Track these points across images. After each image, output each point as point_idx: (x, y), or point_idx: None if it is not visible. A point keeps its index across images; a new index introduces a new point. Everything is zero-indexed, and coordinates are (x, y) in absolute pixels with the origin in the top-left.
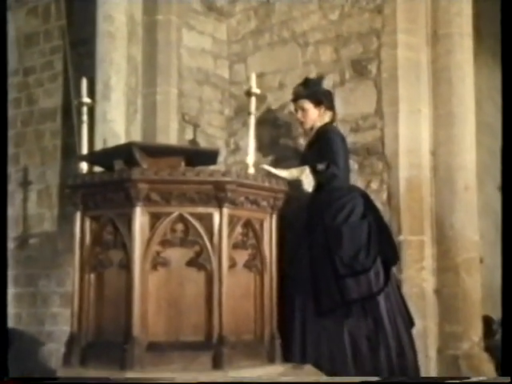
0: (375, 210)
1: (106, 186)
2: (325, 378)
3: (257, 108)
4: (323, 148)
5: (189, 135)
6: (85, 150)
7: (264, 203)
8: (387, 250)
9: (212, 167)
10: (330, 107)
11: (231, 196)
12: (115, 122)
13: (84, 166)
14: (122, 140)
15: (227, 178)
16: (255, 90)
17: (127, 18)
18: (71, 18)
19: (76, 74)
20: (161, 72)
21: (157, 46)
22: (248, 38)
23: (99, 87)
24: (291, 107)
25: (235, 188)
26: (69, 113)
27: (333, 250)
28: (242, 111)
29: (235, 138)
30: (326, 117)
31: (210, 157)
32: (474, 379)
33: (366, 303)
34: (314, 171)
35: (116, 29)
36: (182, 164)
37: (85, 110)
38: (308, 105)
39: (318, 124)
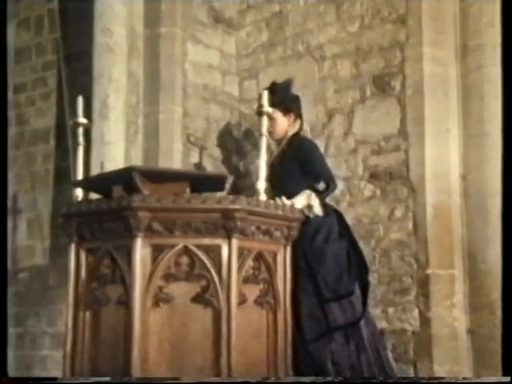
0: (348, 228)
1: (104, 215)
2: (321, 379)
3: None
4: (304, 161)
5: (194, 158)
6: (80, 175)
7: (277, 233)
8: (363, 273)
9: (220, 194)
10: (299, 115)
11: (241, 225)
12: (114, 144)
13: (79, 193)
14: (122, 164)
15: (236, 206)
16: (267, 108)
17: (127, 31)
18: (66, 31)
19: (71, 91)
20: (164, 89)
21: (160, 60)
22: (259, 51)
23: (96, 106)
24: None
25: (245, 216)
26: (63, 134)
27: (316, 273)
28: (252, 132)
29: (245, 162)
30: (297, 125)
31: (218, 182)
32: (474, 379)
33: (349, 329)
34: (314, 191)
35: (115, 42)
36: (187, 190)
37: (80, 130)
38: (276, 113)
39: (289, 133)
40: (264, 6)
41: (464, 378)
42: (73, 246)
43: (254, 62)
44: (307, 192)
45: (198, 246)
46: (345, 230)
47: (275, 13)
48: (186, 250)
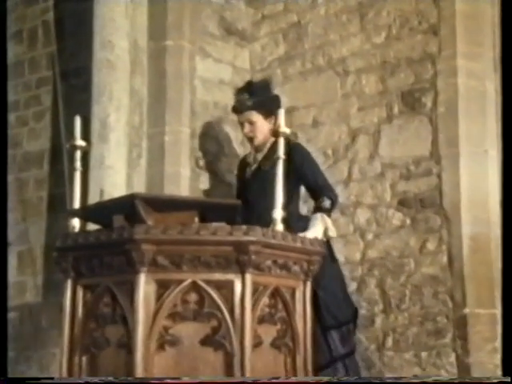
0: (332, 247)
1: (103, 248)
2: (326, 378)
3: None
4: (301, 171)
5: (204, 184)
6: (77, 204)
7: (296, 268)
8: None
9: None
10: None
11: (256, 259)
12: (114, 168)
13: (76, 223)
14: (123, 191)
15: (251, 238)
16: (284, 129)
17: (130, 44)
18: (62, 44)
19: (68, 110)
20: (170, 108)
21: (166, 77)
22: (275, 66)
23: (96, 127)
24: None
25: (260, 249)
26: (58, 158)
27: (318, 298)
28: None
29: None
30: None
31: (230, 211)
32: (474, 379)
33: (347, 359)
34: (319, 209)
35: (116, 57)
36: (196, 220)
37: (78, 154)
38: (256, 117)
39: (272, 138)
40: (280, 16)
41: (463, 378)
42: (69, 283)
43: (269, 77)
44: (318, 216)
45: (208, 282)
46: (331, 250)
47: (293, 23)
48: (195, 286)
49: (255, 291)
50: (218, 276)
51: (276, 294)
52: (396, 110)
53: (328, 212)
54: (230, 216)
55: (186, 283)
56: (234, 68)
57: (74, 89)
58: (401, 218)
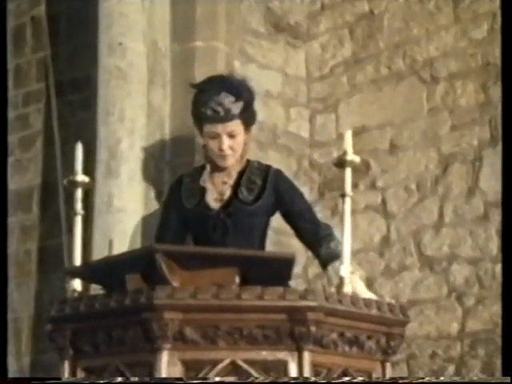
0: None
1: (113, 318)
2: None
3: (355, 185)
4: (289, 207)
5: None
6: (77, 259)
7: (370, 344)
8: None
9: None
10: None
11: (316, 332)
12: (127, 212)
13: (76, 285)
14: (138, 242)
15: (310, 303)
16: (352, 156)
17: (147, 47)
18: (57, 48)
19: (64, 135)
20: None
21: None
22: (340, 72)
23: (102, 157)
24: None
25: (323, 319)
26: (51, 198)
27: None
28: (331, 191)
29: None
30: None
31: (281, 267)
32: (473, 378)
33: None
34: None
35: (129, 64)
36: (236, 279)
37: (78, 193)
38: (240, 128)
39: (244, 158)
40: (346, 6)
41: (463, 378)
42: (66, 365)
43: (331, 87)
44: (336, 265)
45: (253, 363)
46: None
47: (363, 15)
48: (235, 368)
49: (316, 375)
50: (265, 354)
51: (345, 378)
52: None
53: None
54: (282, 274)
55: (223, 364)
56: (284, 76)
57: (73, 106)
58: None
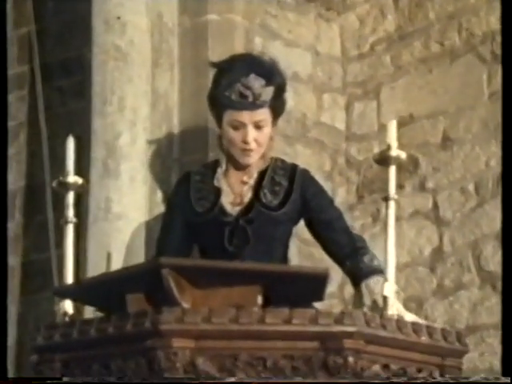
0: None
1: (111, 346)
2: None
3: (400, 186)
4: (318, 216)
5: None
6: (69, 276)
7: (421, 377)
8: None
9: (317, 305)
10: None
11: (355, 363)
12: (128, 219)
13: (67, 308)
14: (141, 255)
15: (347, 328)
16: (397, 151)
17: (151, 22)
18: (43, 24)
19: (53, 128)
20: (214, 121)
21: (208, 72)
22: (382, 50)
23: (98, 154)
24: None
25: (363, 346)
26: (38, 204)
27: None
28: (371, 193)
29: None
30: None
31: (313, 285)
32: (473, 378)
33: None
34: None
35: (130, 42)
36: (259, 299)
37: (70, 197)
38: (268, 118)
39: (268, 155)
40: None
41: (464, 378)
42: None
43: (372, 68)
44: (371, 282)
45: None
46: None
47: None
48: None
49: None
50: None
51: None
52: None
53: (380, 273)
54: (314, 293)
55: None
56: (315, 55)
57: (63, 94)
58: None
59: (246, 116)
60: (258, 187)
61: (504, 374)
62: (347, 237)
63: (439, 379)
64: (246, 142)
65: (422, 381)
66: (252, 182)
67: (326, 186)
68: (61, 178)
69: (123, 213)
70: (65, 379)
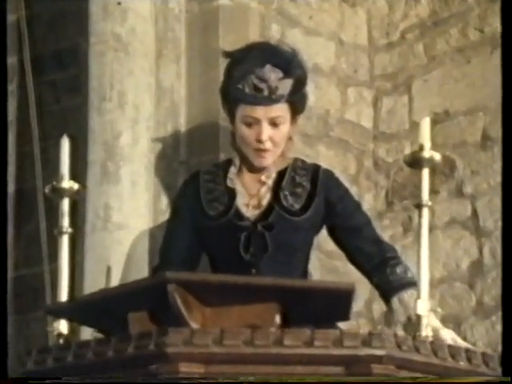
0: None
1: (111, 371)
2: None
3: (435, 191)
4: (342, 221)
5: None
6: (63, 292)
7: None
8: None
9: (341, 325)
10: None
11: None
12: (129, 228)
13: (62, 328)
14: (145, 269)
15: (376, 351)
16: (430, 152)
17: (155, 8)
18: (36, 9)
19: (46, 126)
20: (225, 118)
21: (218, 63)
22: (414, 38)
23: (96, 156)
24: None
25: (393, 371)
26: (28, 211)
27: None
28: (402, 200)
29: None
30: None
31: (337, 302)
32: (472, 379)
33: None
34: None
35: (131, 31)
36: (277, 319)
37: (65, 204)
38: (286, 114)
39: (287, 155)
40: None
41: (462, 378)
42: None
43: (403, 59)
44: (405, 296)
45: None
46: None
47: None
48: None
49: None
50: None
51: None
52: None
53: (415, 287)
54: (338, 312)
55: None
56: (339, 45)
57: (57, 89)
58: None
59: (260, 112)
60: (276, 188)
61: (504, 373)
62: (377, 246)
63: (439, 379)
64: (260, 141)
65: (423, 381)
66: (270, 182)
67: (352, 191)
68: (54, 183)
69: (124, 222)
70: (64, 379)
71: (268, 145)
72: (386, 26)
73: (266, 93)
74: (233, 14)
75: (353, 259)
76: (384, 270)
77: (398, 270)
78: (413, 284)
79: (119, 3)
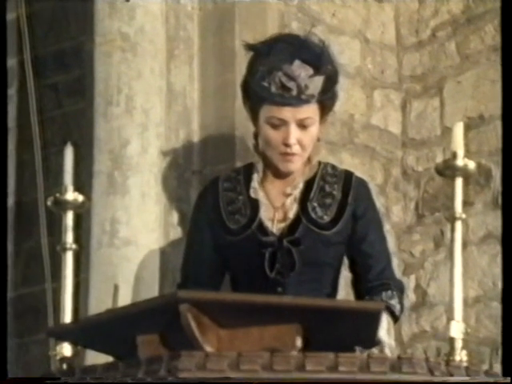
0: None
1: None
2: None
3: (469, 203)
4: (361, 233)
5: None
6: (67, 313)
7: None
8: None
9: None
10: None
11: None
12: (138, 245)
13: (65, 351)
14: (155, 288)
15: (406, 377)
16: (464, 160)
17: (166, 5)
18: (37, 7)
19: (47, 133)
20: (244, 124)
21: (234, 63)
22: (446, 36)
23: (102, 166)
24: None
25: None
26: (28, 225)
27: None
28: (433, 212)
29: (418, 276)
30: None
31: (364, 323)
32: (472, 379)
33: None
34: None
35: (140, 30)
36: (298, 341)
37: (69, 218)
38: (315, 115)
39: (314, 160)
40: None
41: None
42: None
43: (434, 59)
44: (386, 318)
45: None
46: None
47: None
48: None
49: None
50: None
51: None
52: None
53: (394, 320)
54: (365, 334)
55: None
56: (365, 43)
57: (59, 92)
58: None
59: (288, 113)
60: (304, 199)
61: (504, 374)
62: (382, 266)
63: (438, 379)
64: (287, 145)
65: (423, 381)
66: (297, 193)
67: (378, 202)
68: (57, 195)
69: (132, 237)
70: (64, 379)
71: (296, 149)
72: (415, 23)
73: (294, 92)
74: (250, 11)
75: (354, 281)
76: (372, 294)
77: (384, 295)
78: (389, 310)
79: (127, 0)
